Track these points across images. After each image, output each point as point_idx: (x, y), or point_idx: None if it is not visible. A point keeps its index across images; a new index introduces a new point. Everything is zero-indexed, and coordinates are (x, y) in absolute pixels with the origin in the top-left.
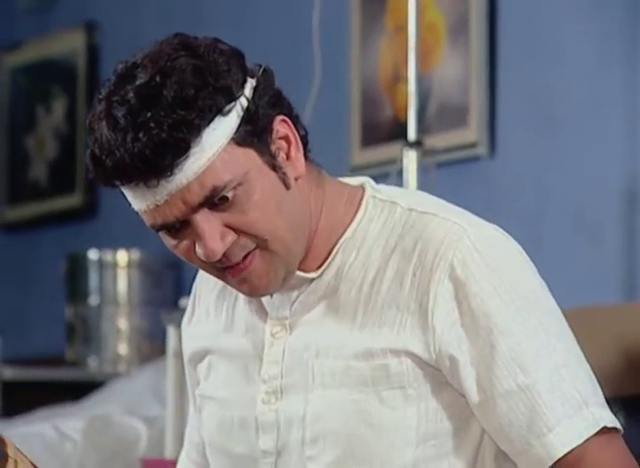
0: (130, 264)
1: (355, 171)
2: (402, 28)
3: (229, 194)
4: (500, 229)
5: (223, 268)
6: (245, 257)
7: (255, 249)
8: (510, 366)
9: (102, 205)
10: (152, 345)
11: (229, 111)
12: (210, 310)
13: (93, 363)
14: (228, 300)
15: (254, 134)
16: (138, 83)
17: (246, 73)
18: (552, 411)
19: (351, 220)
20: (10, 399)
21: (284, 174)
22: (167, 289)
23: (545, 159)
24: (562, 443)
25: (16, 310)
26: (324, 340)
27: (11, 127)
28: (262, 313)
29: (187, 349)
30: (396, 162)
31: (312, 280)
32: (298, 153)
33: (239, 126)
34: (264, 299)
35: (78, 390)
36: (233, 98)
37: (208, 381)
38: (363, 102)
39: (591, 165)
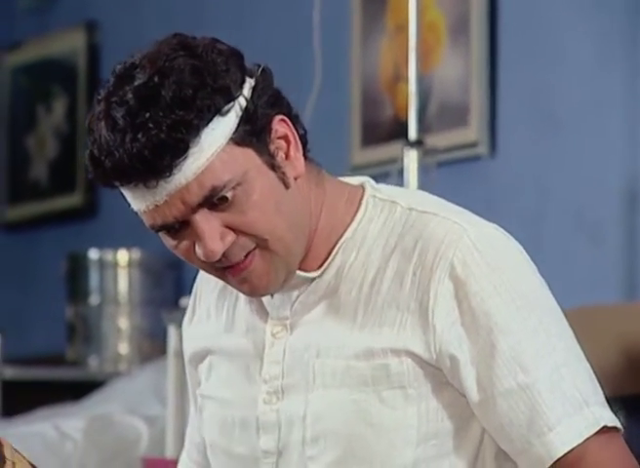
0: (130, 264)
1: (356, 170)
2: (403, 28)
3: (228, 194)
4: (501, 229)
5: (223, 268)
6: (245, 257)
7: (255, 248)
8: (510, 365)
9: (103, 204)
10: (153, 345)
11: (228, 111)
12: (210, 310)
13: (93, 362)
14: (229, 300)
15: (252, 133)
16: (136, 83)
17: (244, 73)
18: (552, 411)
19: (351, 220)
20: (10, 398)
21: (283, 173)
22: (167, 288)
23: (546, 159)
24: (562, 442)
25: (16, 310)
26: (324, 340)
27: (11, 126)
28: (263, 313)
29: (188, 349)
30: (397, 161)
31: (313, 280)
32: (297, 153)
33: (238, 126)
34: (265, 299)
35: (79, 390)
36: (232, 98)
37: (209, 381)
38: (363, 102)
39: (591, 165)
